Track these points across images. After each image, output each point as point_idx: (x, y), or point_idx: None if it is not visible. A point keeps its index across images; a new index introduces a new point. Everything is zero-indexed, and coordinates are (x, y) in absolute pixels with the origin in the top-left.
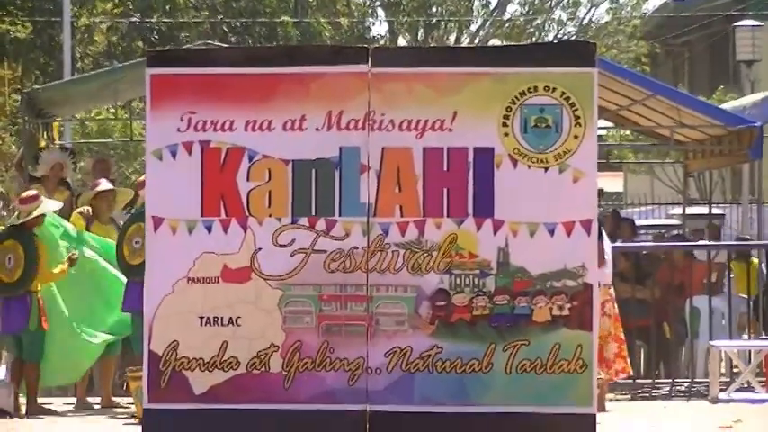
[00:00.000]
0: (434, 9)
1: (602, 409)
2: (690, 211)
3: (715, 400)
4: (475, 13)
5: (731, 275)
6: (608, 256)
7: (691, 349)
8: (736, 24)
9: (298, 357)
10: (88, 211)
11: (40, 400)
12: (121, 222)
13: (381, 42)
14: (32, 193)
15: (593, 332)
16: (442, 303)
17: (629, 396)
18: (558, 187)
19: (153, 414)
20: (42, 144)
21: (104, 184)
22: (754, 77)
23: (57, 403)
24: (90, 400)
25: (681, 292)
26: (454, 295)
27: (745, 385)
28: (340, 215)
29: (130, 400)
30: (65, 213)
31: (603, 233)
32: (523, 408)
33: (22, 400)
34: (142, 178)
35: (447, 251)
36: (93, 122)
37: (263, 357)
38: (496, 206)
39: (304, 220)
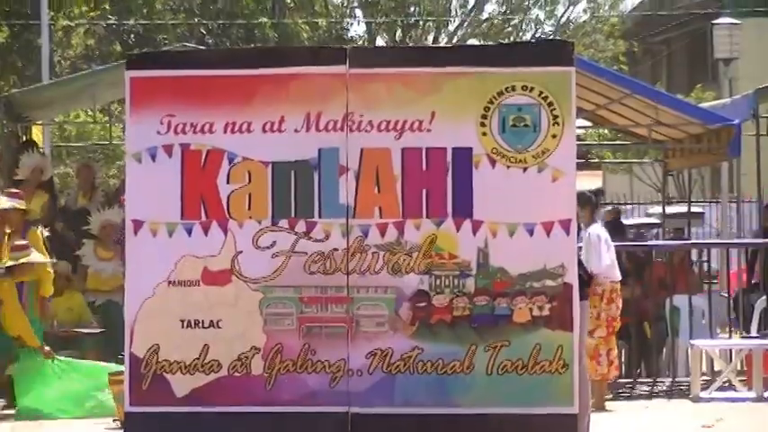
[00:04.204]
0: (412, 9)
1: (601, 407)
2: (669, 209)
3: (696, 399)
4: (453, 13)
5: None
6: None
7: (672, 348)
8: (714, 22)
9: (279, 359)
10: None
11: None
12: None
13: (359, 43)
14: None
15: (573, 332)
16: (423, 304)
17: (610, 396)
18: (536, 187)
19: (134, 417)
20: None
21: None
22: (732, 75)
23: None
24: None
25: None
26: (434, 296)
27: (726, 384)
28: (320, 217)
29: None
30: (46, 216)
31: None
32: (505, 408)
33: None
34: None
35: (427, 252)
36: (71, 125)
37: (244, 360)
38: (475, 206)
39: (284, 222)
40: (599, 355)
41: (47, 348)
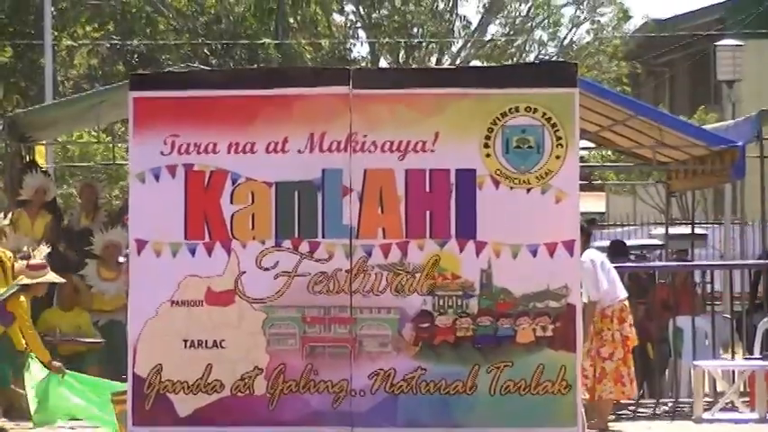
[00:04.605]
0: (415, 30)
1: (605, 428)
2: (672, 231)
3: (699, 420)
4: (456, 34)
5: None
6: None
7: (674, 369)
8: (717, 44)
9: (282, 380)
10: None
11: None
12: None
13: (363, 64)
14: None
15: (576, 353)
16: (426, 325)
17: (613, 417)
18: (540, 208)
19: None
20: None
21: None
22: (736, 97)
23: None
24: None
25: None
26: (438, 317)
27: (729, 405)
28: (323, 237)
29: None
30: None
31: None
32: (507, 429)
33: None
34: None
35: (430, 273)
36: (75, 146)
37: (247, 380)
38: (479, 227)
39: (287, 243)
40: (621, 376)
41: (57, 364)
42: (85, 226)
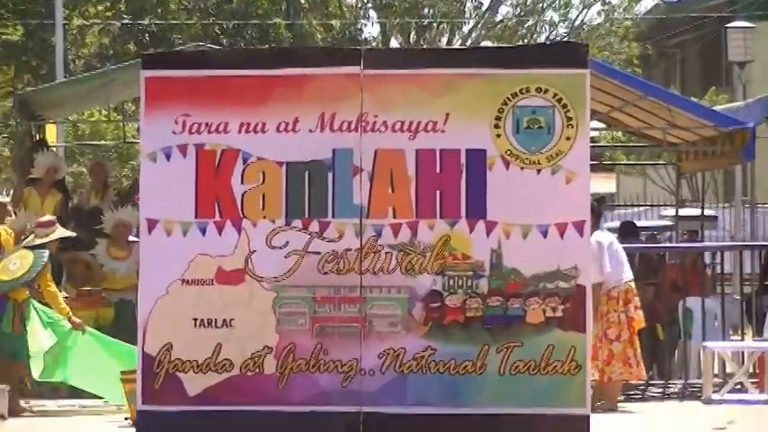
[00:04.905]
0: (426, 11)
1: (614, 409)
2: (682, 212)
3: (708, 401)
4: (467, 15)
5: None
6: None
7: (684, 350)
8: (728, 26)
9: (292, 359)
10: None
11: (34, 401)
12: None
13: (373, 44)
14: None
15: (586, 333)
16: (436, 305)
17: (622, 397)
18: (550, 188)
19: (147, 416)
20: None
21: None
22: (746, 78)
23: (50, 405)
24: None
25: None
26: (447, 297)
27: (738, 386)
28: (333, 217)
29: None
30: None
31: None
32: (517, 409)
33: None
34: None
35: (440, 252)
36: (85, 124)
37: (256, 359)
38: (489, 208)
39: (298, 222)
40: (628, 357)
41: (77, 320)
42: (95, 205)
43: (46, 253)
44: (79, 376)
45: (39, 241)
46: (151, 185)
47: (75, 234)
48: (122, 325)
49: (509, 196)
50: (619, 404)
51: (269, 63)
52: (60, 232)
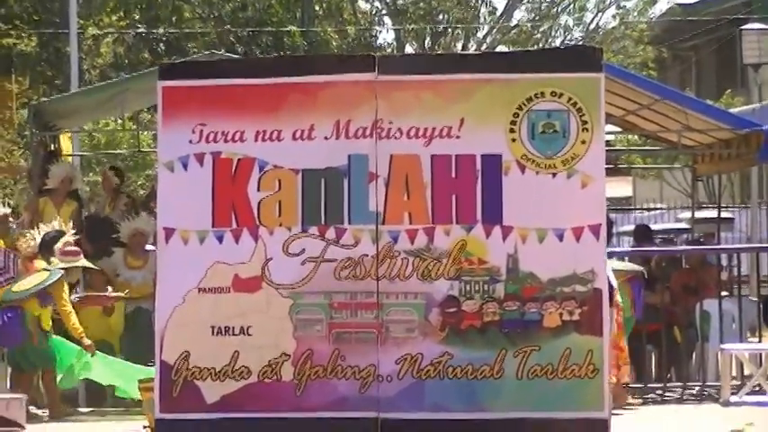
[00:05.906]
0: (441, 17)
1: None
2: (699, 214)
3: (726, 404)
4: (481, 20)
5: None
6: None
7: (701, 353)
8: (742, 28)
9: (309, 365)
10: None
11: None
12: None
13: (388, 51)
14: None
15: (603, 337)
16: (453, 310)
17: (640, 400)
18: (566, 192)
19: (165, 424)
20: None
21: None
22: (761, 81)
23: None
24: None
25: (694, 296)
26: (464, 302)
27: (757, 388)
28: (349, 223)
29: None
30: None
31: None
32: (535, 413)
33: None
34: None
35: (456, 258)
36: (101, 134)
37: (274, 366)
38: (505, 212)
39: (314, 229)
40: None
41: (88, 342)
42: (106, 215)
43: (61, 271)
44: (100, 375)
45: (62, 266)
46: (168, 194)
47: (96, 268)
48: (139, 334)
49: (525, 201)
50: (634, 407)
51: (284, 71)
52: (84, 262)
